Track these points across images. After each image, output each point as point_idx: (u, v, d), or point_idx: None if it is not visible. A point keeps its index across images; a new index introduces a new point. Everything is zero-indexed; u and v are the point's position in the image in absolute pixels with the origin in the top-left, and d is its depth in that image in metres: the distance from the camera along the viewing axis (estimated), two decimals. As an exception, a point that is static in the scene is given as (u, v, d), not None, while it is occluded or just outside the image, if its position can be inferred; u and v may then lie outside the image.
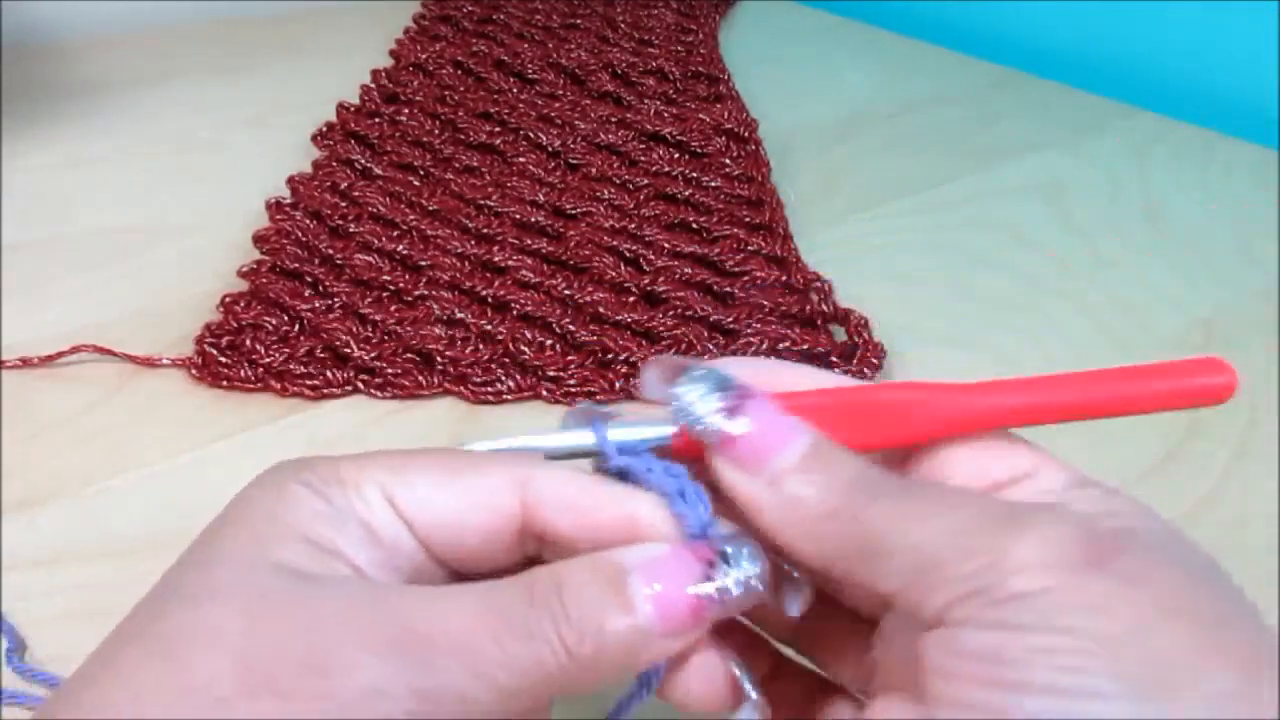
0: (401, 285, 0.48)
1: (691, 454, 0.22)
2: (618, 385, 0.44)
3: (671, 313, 0.47)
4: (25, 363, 0.44)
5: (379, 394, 0.44)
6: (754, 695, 0.21)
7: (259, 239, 0.51)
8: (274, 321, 0.46)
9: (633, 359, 0.44)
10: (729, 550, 0.20)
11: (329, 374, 0.44)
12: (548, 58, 0.73)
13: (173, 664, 0.18)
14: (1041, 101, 0.75)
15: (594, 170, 0.59)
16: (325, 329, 0.45)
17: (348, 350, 0.44)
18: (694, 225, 0.55)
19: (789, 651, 0.25)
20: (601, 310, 0.47)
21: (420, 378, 0.44)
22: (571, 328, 0.46)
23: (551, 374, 0.44)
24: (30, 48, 0.78)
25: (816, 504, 0.20)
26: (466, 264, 0.51)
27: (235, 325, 0.45)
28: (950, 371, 0.27)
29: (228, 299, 0.47)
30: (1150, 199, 0.61)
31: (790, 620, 0.22)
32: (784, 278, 0.50)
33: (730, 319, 0.47)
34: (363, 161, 0.59)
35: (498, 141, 0.62)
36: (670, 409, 0.22)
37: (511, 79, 0.70)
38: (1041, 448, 0.22)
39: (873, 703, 0.21)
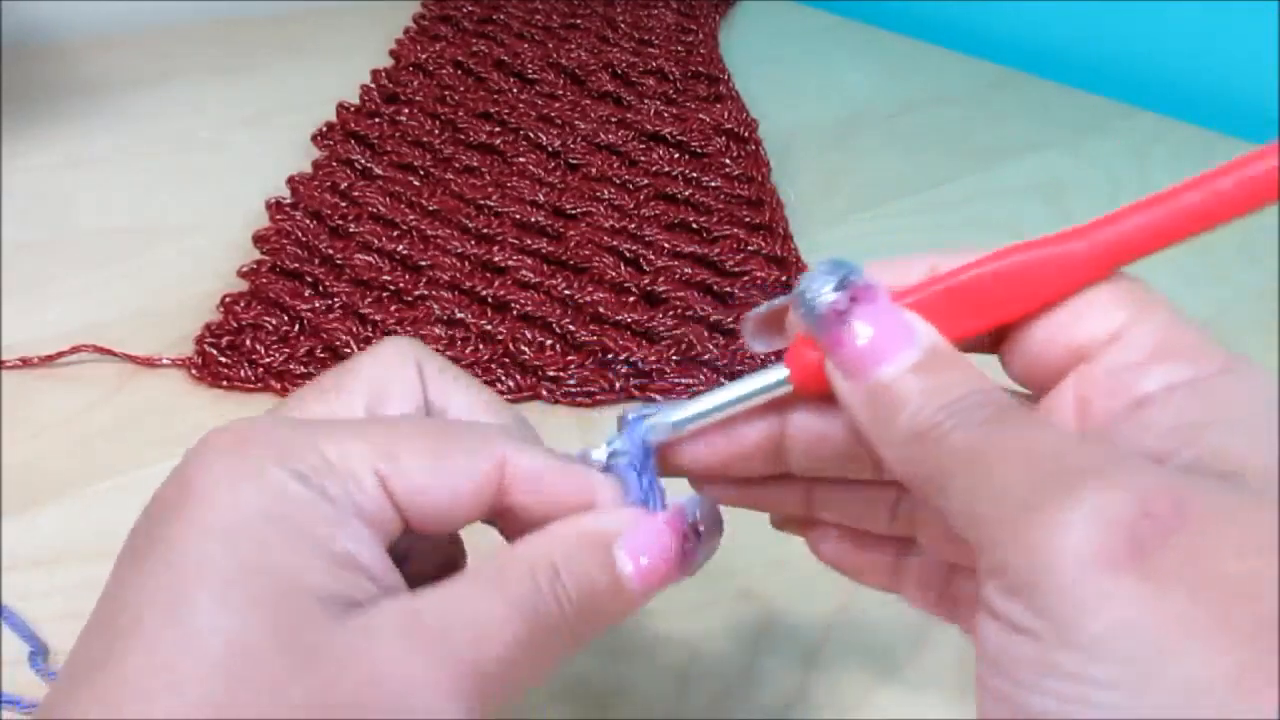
0: (401, 285, 0.48)
1: (811, 389, 0.22)
2: (617, 385, 0.44)
3: (671, 313, 0.47)
4: (25, 363, 0.44)
5: (379, 394, 0.43)
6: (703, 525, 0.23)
7: (259, 239, 0.51)
8: (274, 321, 0.46)
9: (633, 359, 0.44)
10: (702, 524, 0.23)
11: (329, 374, 0.44)
12: (548, 58, 0.73)
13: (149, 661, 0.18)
14: (1041, 101, 0.75)
15: (594, 170, 0.59)
16: (325, 329, 0.45)
17: (348, 350, 0.44)
18: (694, 225, 0.55)
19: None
20: (601, 310, 0.47)
21: (420, 378, 0.44)
22: (571, 328, 0.46)
23: (551, 374, 0.44)
24: (30, 48, 0.78)
25: (905, 424, 0.19)
26: (466, 264, 0.51)
27: (235, 325, 0.45)
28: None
29: (228, 299, 0.47)
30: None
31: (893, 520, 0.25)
32: (784, 278, 0.50)
33: (730, 319, 0.47)
34: (363, 161, 0.59)
35: (498, 141, 0.62)
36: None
37: (511, 79, 0.70)
38: (1141, 288, 0.21)
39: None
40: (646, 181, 0.58)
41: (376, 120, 0.64)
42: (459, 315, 0.46)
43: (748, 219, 0.55)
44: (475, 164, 0.60)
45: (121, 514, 0.37)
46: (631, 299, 0.49)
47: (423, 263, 0.50)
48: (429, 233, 0.53)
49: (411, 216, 0.54)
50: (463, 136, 0.63)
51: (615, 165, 0.60)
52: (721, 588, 0.35)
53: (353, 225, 0.53)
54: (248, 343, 0.44)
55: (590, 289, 0.49)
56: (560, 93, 0.69)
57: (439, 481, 0.21)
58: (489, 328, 0.46)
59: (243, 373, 0.43)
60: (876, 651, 0.33)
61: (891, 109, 0.74)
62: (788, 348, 0.22)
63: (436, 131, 0.63)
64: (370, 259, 0.50)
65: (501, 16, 0.81)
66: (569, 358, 0.45)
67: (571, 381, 0.44)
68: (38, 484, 0.38)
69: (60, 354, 0.44)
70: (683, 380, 0.44)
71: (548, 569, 0.21)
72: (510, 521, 0.23)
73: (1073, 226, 0.21)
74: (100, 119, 0.68)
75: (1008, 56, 0.83)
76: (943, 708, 0.31)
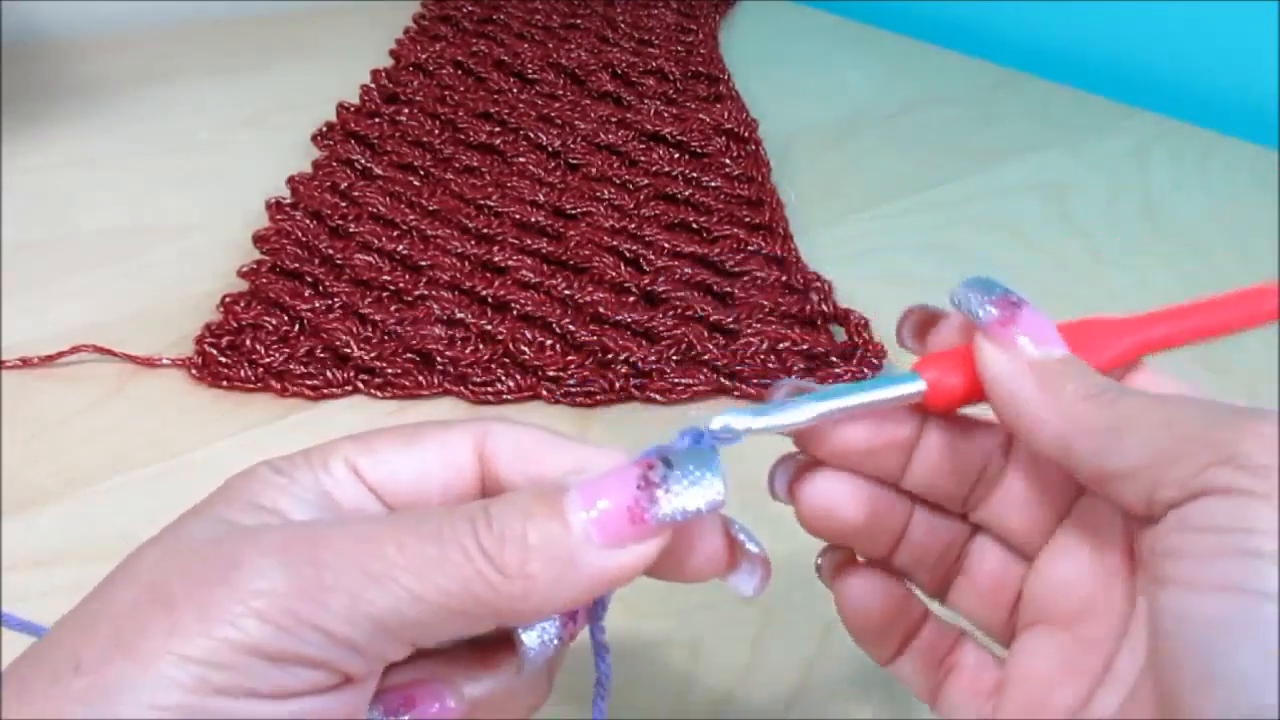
0: (401, 285, 0.48)
1: (941, 403, 0.23)
2: (617, 385, 0.44)
3: (671, 313, 0.47)
4: (25, 363, 0.44)
5: (379, 394, 0.44)
6: (753, 549, 0.21)
7: (259, 239, 0.51)
8: (274, 321, 0.46)
9: (633, 359, 0.44)
10: (674, 459, 0.20)
11: (329, 374, 0.44)
12: (548, 58, 0.73)
13: (91, 609, 0.19)
14: (1041, 101, 0.75)
15: (594, 170, 0.59)
16: (325, 329, 0.45)
17: (348, 350, 0.44)
18: (694, 225, 0.55)
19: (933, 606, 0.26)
20: (601, 310, 0.47)
21: (420, 378, 0.44)
22: (571, 328, 0.46)
23: (551, 374, 0.44)
24: (30, 48, 0.78)
25: (1076, 386, 0.21)
26: (466, 264, 0.51)
27: (235, 325, 0.45)
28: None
29: (228, 299, 0.47)
30: (1150, 199, 0.61)
31: (941, 570, 0.25)
32: (784, 278, 0.50)
33: (730, 319, 0.47)
34: (363, 161, 0.59)
35: (498, 141, 0.62)
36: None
37: (511, 79, 0.70)
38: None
39: (1017, 640, 0.23)
40: (646, 181, 0.58)
41: (376, 120, 0.64)
42: (459, 315, 0.46)
43: (748, 219, 0.55)
44: (475, 164, 0.60)
45: (121, 514, 0.37)
46: (631, 299, 0.49)
47: (423, 263, 0.50)
48: (429, 233, 0.53)
49: (411, 216, 0.54)
50: (463, 136, 0.63)
51: (615, 165, 0.60)
52: (721, 588, 0.35)
53: (353, 225, 0.53)
54: (248, 343, 0.44)
55: (590, 289, 0.49)
56: (560, 93, 0.69)
57: (409, 460, 0.22)
58: (489, 328, 0.46)
59: (243, 373, 0.43)
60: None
61: (891, 109, 0.74)
62: (917, 360, 0.24)
63: (436, 131, 0.63)
64: (370, 259, 0.50)
65: (501, 16, 0.81)
66: (569, 358, 0.45)
67: (571, 381, 0.44)
68: (38, 484, 0.38)
69: (60, 354, 0.44)
70: (683, 380, 0.44)
71: (476, 506, 0.19)
72: None
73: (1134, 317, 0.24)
74: (100, 119, 0.68)
75: (1008, 56, 0.83)
76: (943, 708, 0.31)
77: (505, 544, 0.19)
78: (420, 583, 0.18)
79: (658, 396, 0.44)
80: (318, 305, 0.47)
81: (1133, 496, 0.19)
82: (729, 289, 0.49)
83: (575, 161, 0.60)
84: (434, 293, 0.48)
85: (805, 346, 0.45)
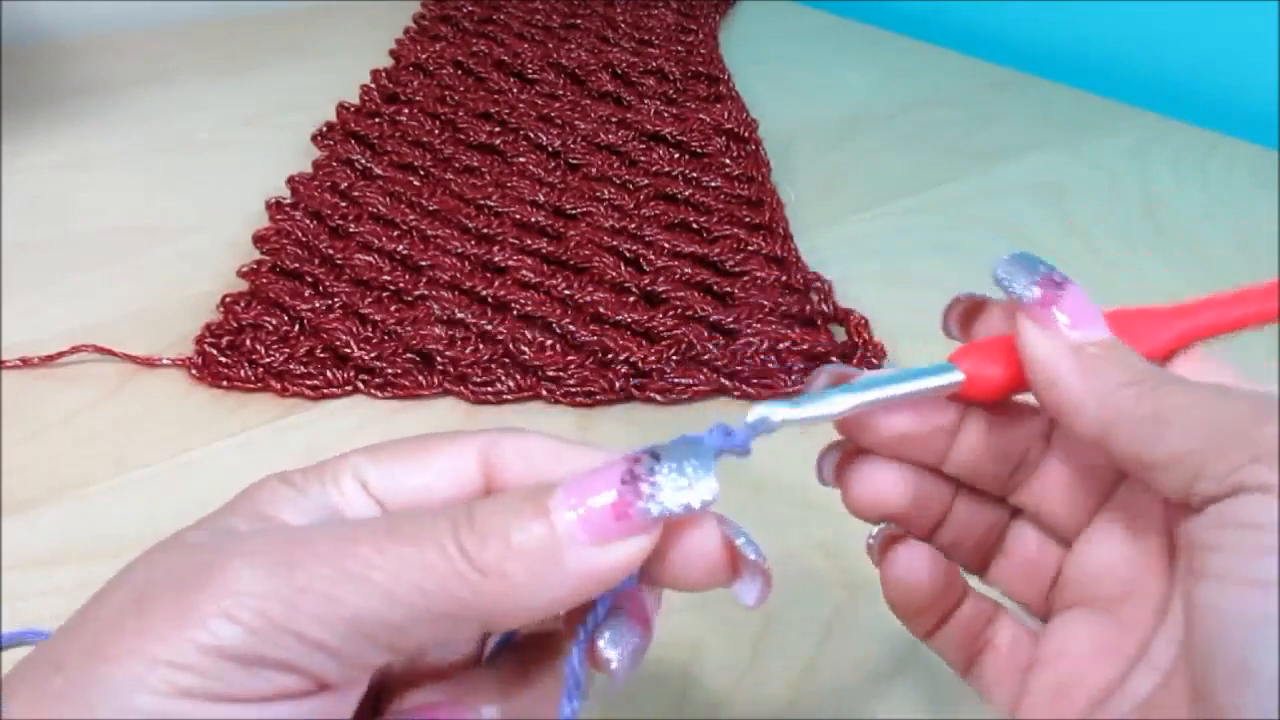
0: (401, 285, 0.48)
1: (979, 394, 0.23)
2: (617, 385, 0.44)
3: (671, 313, 0.47)
4: (25, 363, 0.44)
5: (379, 394, 0.44)
6: (754, 558, 0.20)
7: (259, 239, 0.51)
8: (274, 321, 0.46)
9: (633, 359, 0.44)
10: (663, 452, 0.19)
11: (329, 374, 0.44)
12: (548, 58, 0.73)
13: (85, 613, 0.19)
14: (1041, 101, 0.75)
15: (594, 170, 0.59)
16: (325, 329, 0.45)
17: (348, 350, 0.44)
18: (694, 225, 0.55)
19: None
20: (601, 310, 0.47)
21: (420, 378, 0.44)
22: (571, 328, 0.46)
23: (551, 374, 0.44)
24: (30, 48, 0.79)
25: (1118, 371, 0.21)
26: (466, 264, 0.51)
27: (235, 325, 0.45)
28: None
29: (228, 299, 0.47)
30: (1150, 199, 0.61)
31: (982, 551, 0.25)
32: (784, 278, 0.50)
33: (730, 319, 0.47)
34: (363, 161, 0.59)
35: (498, 141, 0.62)
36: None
37: (511, 79, 0.70)
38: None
39: (1053, 619, 0.23)
40: (646, 181, 0.58)
41: (376, 120, 0.64)
42: (459, 315, 0.46)
43: (748, 219, 0.55)
44: (475, 164, 0.60)
45: (121, 514, 0.37)
46: (631, 299, 0.49)
47: (423, 263, 0.50)
48: (429, 233, 0.53)
49: (411, 216, 0.54)
50: (463, 136, 0.63)
51: (615, 165, 0.60)
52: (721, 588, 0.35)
53: (353, 225, 0.53)
54: (248, 343, 0.44)
55: (590, 289, 0.49)
56: (560, 93, 0.69)
57: (414, 473, 0.22)
58: (489, 328, 0.46)
59: (243, 373, 0.43)
60: (876, 651, 0.33)
61: (891, 109, 0.74)
62: (956, 350, 0.24)
63: (436, 131, 0.63)
64: (370, 259, 0.50)
65: (501, 16, 0.81)
66: (569, 358, 0.45)
67: (571, 381, 0.44)
68: (38, 484, 0.38)
69: (60, 354, 0.44)
70: (683, 380, 0.44)
71: (459, 507, 0.19)
72: None
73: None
74: (100, 119, 0.68)
75: (1008, 56, 0.83)
76: (942, 708, 0.31)
77: (486, 543, 0.18)
78: (397, 583, 0.18)
79: (658, 396, 0.44)
80: (318, 305, 0.47)
81: (1172, 487, 0.19)
82: (729, 289, 0.49)
83: (575, 161, 0.60)
84: (434, 293, 0.48)
85: (805, 346, 0.45)
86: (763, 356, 0.45)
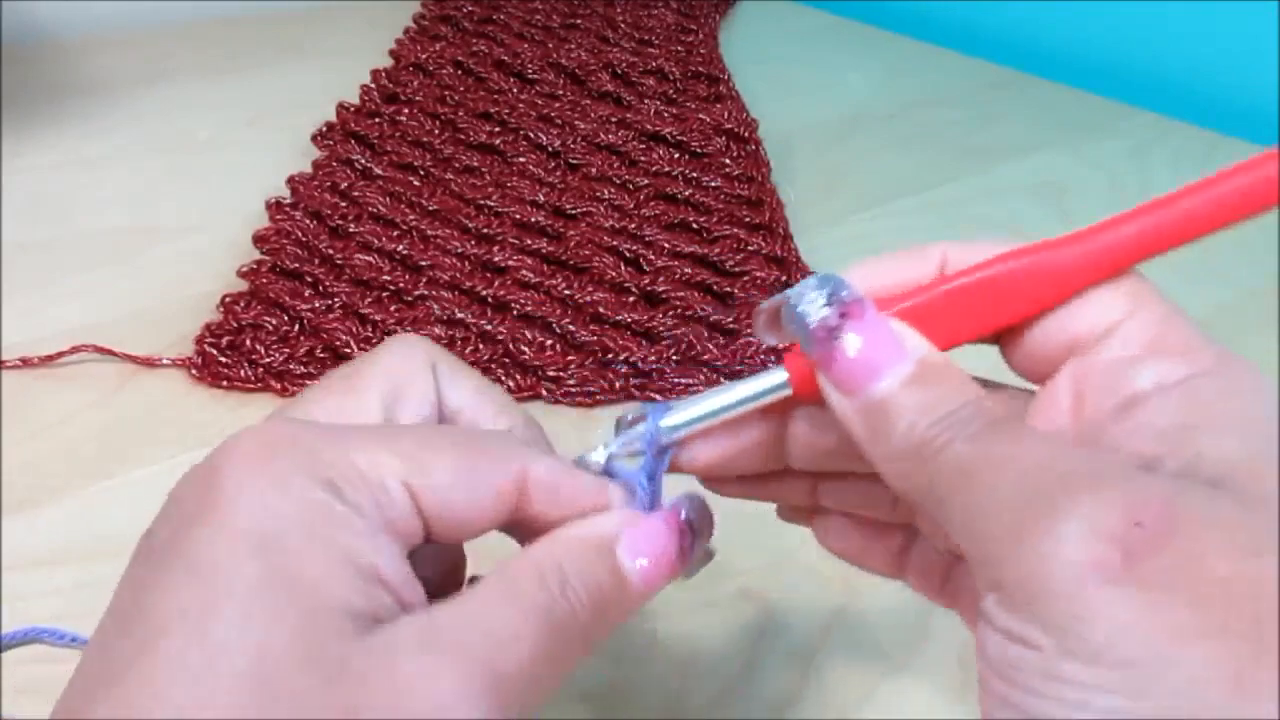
0: (401, 285, 0.48)
1: (810, 393, 0.22)
2: (617, 385, 0.44)
3: (671, 313, 0.47)
4: (25, 363, 0.44)
5: (379, 394, 0.43)
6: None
7: (259, 239, 0.51)
8: (274, 321, 0.46)
9: (633, 359, 0.44)
10: (695, 522, 0.23)
11: (329, 374, 0.44)
12: (548, 58, 0.73)
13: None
14: (1041, 101, 0.75)
15: (594, 170, 0.59)
16: (325, 329, 0.45)
17: (348, 350, 0.44)
18: (694, 225, 0.55)
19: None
20: (601, 310, 0.47)
21: (420, 378, 0.44)
22: (571, 328, 0.46)
23: (551, 374, 0.44)
24: (30, 48, 0.78)
25: (900, 440, 0.20)
26: (466, 264, 0.51)
27: (235, 325, 0.45)
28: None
29: (228, 299, 0.47)
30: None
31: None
32: (784, 278, 0.50)
33: (730, 319, 0.47)
34: (363, 161, 0.59)
35: (498, 141, 0.62)
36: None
37: (511, 79, 0.70)
38: (1138, 283, 0.21)
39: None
40: (646, 181, 0.58)
41: (376, 120, 0.64)
42: (459, 315, 0.46)
43: (748, 219, 0.55)
44: (475, 164, 0.60)
45: (121, 514, 0.37)
46: (631, 299, 0.49)
47: (423, 263, 0.50)
48: (429, 233, 0.53)
49: (411, 216, 0.54)
50: (463, 136, 0.63)
51: (615, 165, 0.60)
52: (721, 588, 0.35)
53: (353, 225, 0.53)
54: (248, 343, 0.44)
55: (590, 289, 0.49)
56: (560, 93, 0.69)
57: (465, 495, 0.21)
58: (489, 328, 0.46)
59: (243, 373, 0.43)
60: (876, 651, 0.33)
61: (891, 109, 0.74)
62: (788, 348, 0.23)
63: (436, 131, 0.63)
64: (370, 259, 0.50)
65: (501, 16, 0.81)
66: (569, 358, 0.45)
67: (571, 381, 0.44)
68: (38, 484, 0.38)
69: (60, 354, 0.44)
70: (683, 380, 0.44)
71: (557, 574, 0.21)
72: (524, 528, 0.23)
73: (1073, 231, 0.22)
74: (100, 119, 0.68)
75: (1008, 56, 0.83)
76: (942, 707, 0.31)
77: (590, 614, 0.21)
78: (551, 661, 0.20)
79: (658, 396, 0.44)
80: (318, 305, 0.47)
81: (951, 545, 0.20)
82: (729, 289, 0.49)
83: (575, 161, 0.60)
84: (434, 293, 0.48)
85: (805, 346, 0.45)
86: (762, 356, 0.45)
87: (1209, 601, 0.15)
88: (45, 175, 0.61)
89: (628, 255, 0.51)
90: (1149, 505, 0.16)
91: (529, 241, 0.52)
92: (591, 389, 0.44)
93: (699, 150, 0.61)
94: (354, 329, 0.46)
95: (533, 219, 0.54)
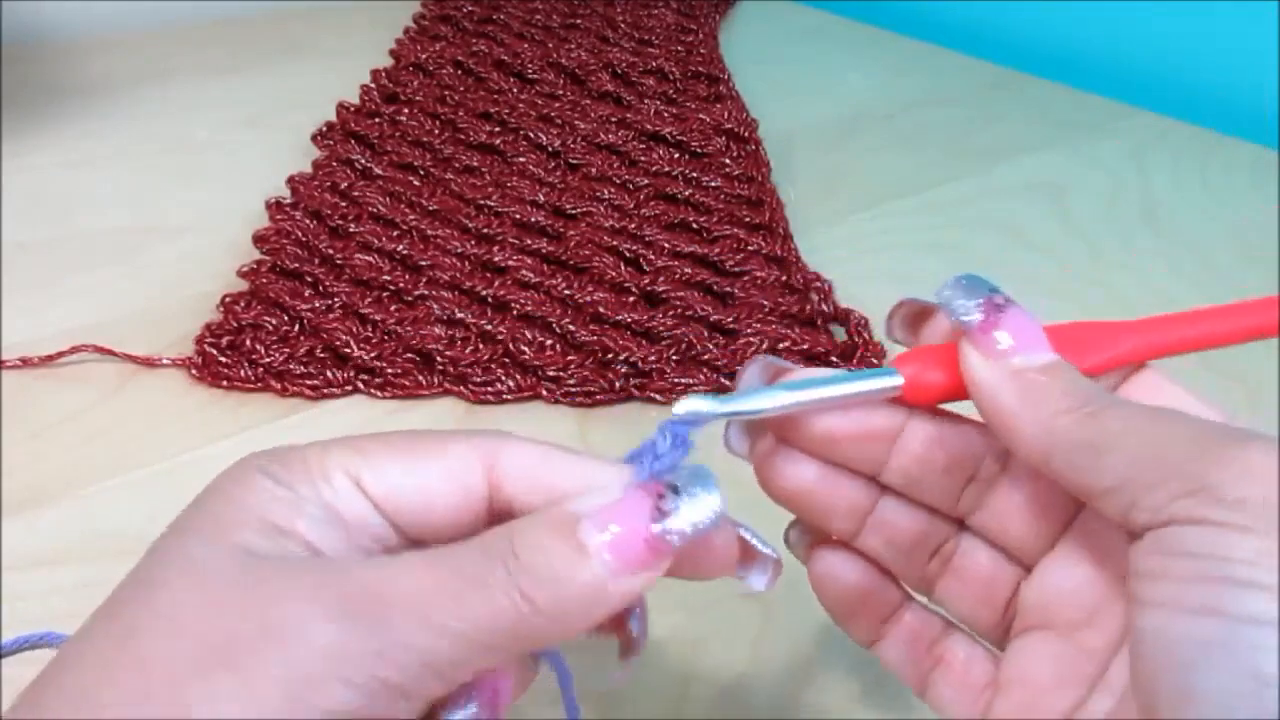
0: (401, 285, 0.48)
1: (920, 399, 0.23)
2: (617, 385, 0.44)
3: (671, 313, 0.47)
4: (25, 363, 0.44)
5: (379, 394, 0.44)
6: (766, 550, 0.23)
7: (259, 239, 0.51)
8: (274, 321, 0.46)
9: (633, 359, 0.44)
10: (679, 482, 0.21)
11: (329, 374, 0.44)
12: (548, 58, 0.73)
13: (127, 653, 0.18)
14: (1041, 101, 0.75)
15: (594, 170, 0.59)
16: (325, 329, 0.45)
17: (348, 350, 0.44)
18: (694, 225, 0.55)
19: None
20: (601, 310, 0.47)
21: (420, 378, 0.44)
22: (571, 328, 0.46)
23: (551, 374, 0.44)
24: (30, 48, 0.79)
25: (1057, 397, 0.21)
26: (466, 264, 0.51)
27: (235, 325, 0.45)
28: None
29: (228, 299, 0.47)
30: (1150, 199, 0.61)
31: (919, 560, 0.25)
32: (784, 278, 0.50)
33: (730, 319, 0.47)
34: (363, 161, 0.59)
35: (498, 141, 0.62)
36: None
37: (511, 79, 0.70)
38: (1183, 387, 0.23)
39: (1013, 643, 0.23)
40: (646, 181, 0.58)
41: (376, 120, 0.64)
42: (459, 315, 0.46)
43: (748, 219, 0.55)
44: (475, 164, 0.60)
45: (121, 514, 0.37)
46: (631, 299, 0.49)
47: (423, 263, 0.50)
48: (429, 233, 0.53)
49: (411, 216, 0.54)
50: (463, 136, 0.63)
51: (615, 165, 0.60)
52: (721, 588, 0.35)
53: (353, 225, 0.53)
54: (248, 343, 0.44)
55: (590, 289, 0.49)
56: (560, 93, 0.69)
57: (414, 476, 0.21)
58: (489, 328, 0.46)
59: (243, 373, 0.43)
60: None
61: (891, 109, 0.74)
62: (900, 354, 0.24)
63: (436, 131, 0.63)
64: (370, 259, 0.50)
65: (501, 16, 0.81)
66: (569, 358, 0.45)
67: (571, 381, 0.44)
68: (38, 484, 0.38)
69: (60, 354, 0.44)
70: (683, 380, 0.44)
71: (502, 542, 0.20)
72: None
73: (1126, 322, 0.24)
74: (100, 119, 0.68)
75: (1008, 56, 0.83)
76: (943, 708, 0.31)
77: (541, 585, 0.19)
78: (473, 629, 0.19)
79: (658, 396, 0.44)
80: (318, 305, 0.47)
81: (1112, 513, 0.19)
82: (729, 289, 0.49)
83: (575, 161, 0.60)
84: (434, 293, 0.48)
85: (805, 346, 0.45)
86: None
87: None
88: (45, 175, 0.61)
89: (628, 255, 0.51)
90: None
91: (529, 241, 0.52)
92: (591, 389, 0.44)
93: (699, 150, 0.61)
94: (354, 329, 0.46)
95: (533, 219, 0.54)
